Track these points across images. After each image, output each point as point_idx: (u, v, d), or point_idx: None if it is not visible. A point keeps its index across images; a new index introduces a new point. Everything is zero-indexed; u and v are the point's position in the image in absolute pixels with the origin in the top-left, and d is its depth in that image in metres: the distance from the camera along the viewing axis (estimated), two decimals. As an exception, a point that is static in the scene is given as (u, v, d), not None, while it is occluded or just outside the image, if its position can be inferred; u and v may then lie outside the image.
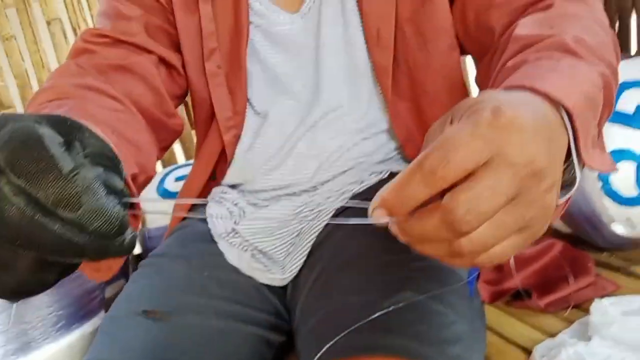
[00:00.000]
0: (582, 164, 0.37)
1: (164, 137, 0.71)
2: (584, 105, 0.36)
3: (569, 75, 0.38)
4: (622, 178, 0.95)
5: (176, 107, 0.74)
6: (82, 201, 0.30)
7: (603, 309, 0.79)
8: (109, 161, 0.36)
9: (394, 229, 0.31)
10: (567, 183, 0.38)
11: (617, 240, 1.00)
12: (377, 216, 0.30)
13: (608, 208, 0.97)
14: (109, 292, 1.21)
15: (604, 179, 0.98)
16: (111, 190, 0.33)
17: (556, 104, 0.35)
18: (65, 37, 1.46)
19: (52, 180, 0.30)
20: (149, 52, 0.68)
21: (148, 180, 0.60)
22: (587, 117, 0.37)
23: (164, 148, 0.73)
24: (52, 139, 0.31)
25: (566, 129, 0.35)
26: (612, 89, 0.44)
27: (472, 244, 0.28)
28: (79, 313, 0.98)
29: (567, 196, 0.37)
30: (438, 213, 0.28)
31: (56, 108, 0.52)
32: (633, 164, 0.94)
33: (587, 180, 1.00)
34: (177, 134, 0.74)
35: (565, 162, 0.35)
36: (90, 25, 1.55)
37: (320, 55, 0.68)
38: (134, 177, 0.53)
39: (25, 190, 0.30)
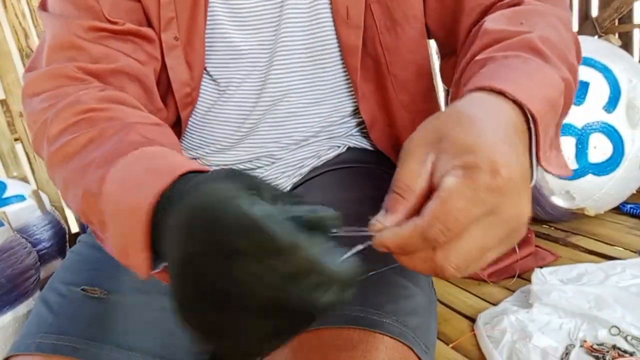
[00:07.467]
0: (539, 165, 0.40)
1: None
2: (546, 109, 0.38)
3: (535, 79, 0.40)
4: (563, 151, 0.99)
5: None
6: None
7: (543, 278, 0.82)
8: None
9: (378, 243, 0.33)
10: None
11: (557, 212, 1.04)
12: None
13: (548, 181, 1.00)
14: (44, 273, 1.15)
15: (545, 153, 1.01)
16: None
17: (520, 106, 0.37)
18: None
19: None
20: (133, 35, 0.61)
21: None
22: (547, 121, 0.39)
23: None
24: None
25: (528, 129, 0.37)
26: (572, 92, 0.45)
27: (448, 259, 0.30)
28: (12, 294, 0.93)
29: None
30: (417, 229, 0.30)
31: (105, 135, 0.47)
32: (573, 138, 0.98)
33: (529, 155, 1.03)
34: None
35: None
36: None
37: (280, 31, 0.65)
38: None
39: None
